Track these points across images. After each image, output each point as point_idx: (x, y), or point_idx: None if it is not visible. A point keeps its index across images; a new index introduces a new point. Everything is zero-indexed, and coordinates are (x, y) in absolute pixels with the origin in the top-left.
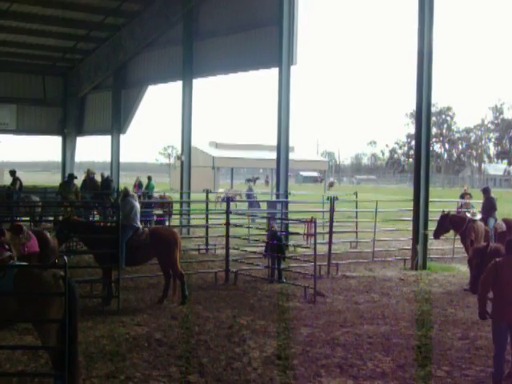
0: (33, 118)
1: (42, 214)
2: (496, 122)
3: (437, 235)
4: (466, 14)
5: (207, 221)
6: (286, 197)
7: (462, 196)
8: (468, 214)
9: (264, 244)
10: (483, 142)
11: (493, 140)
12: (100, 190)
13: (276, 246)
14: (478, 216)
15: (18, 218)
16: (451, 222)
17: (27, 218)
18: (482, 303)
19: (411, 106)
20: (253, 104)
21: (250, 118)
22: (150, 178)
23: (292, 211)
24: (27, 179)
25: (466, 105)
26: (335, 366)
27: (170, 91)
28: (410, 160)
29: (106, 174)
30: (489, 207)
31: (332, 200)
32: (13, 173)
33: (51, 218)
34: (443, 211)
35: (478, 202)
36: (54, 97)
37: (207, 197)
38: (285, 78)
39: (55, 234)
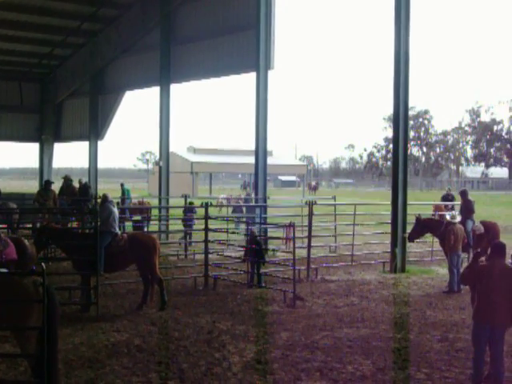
0: (9, 125)
1: (19, 220)
2: (473, 124)
3: (411, 238)
4: (442, 16)
5: (186, 226)
6: (265, 201)
7: (445, 197)
8: (447, 217)
9: (243, 249)
10: (461, 144)
11: (470, 143)
12: (78, 197)
13: (255, 250)
14: (458, 218)
15: None
16: (425, 226)
17: (4, 225)
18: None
19: (389, 109)
20: (231, 109)
21: (228, 122)
22: (122, 185)
23: (271, 216)
24: (4, 186)
25: (443, 108)
26: (315, 369)
27: (147, 97)
28: (388, 163)
29: (84, 180)
30: (466, 210)
31: (310, 204)
32: None
33: (29, 225)
34: (416, 215)
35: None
36: (30, 103)
37: (185, 202)
38: (262, 83)
39: (33, 241)
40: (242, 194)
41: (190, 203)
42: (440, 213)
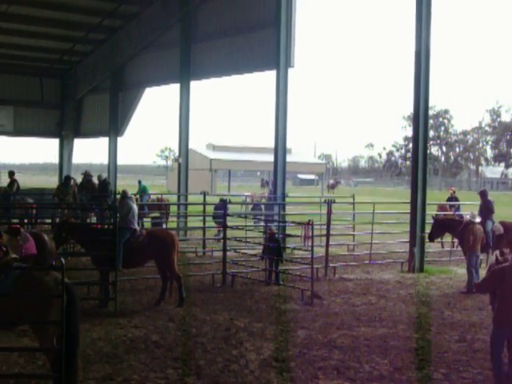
0: (30, 120)
1: (36, 215)
2: (493, 124)
3: (431, 238)
4: (463, 16)
5: (204, 223)
6: (283, 199)
7: (450, 199)
8: (467, 216)
9: (261, 246)
10: (480, 144)
11: (490, 143)
12: (97, 193)
13: (274, 248)
14: (478, 219)
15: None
16: (443, 225)
17: (24, 220)
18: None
19: (409, 108)
20: (250, 106)
21: (248, 120)
22: (139, 182)
23: (289, 213)
24: (24, 181)
25: (463, 107)
26: (332, 368)
27: (167, 93)
28: (408, 163)
29: (104, 176)
30: (486, 210)
31: (329, 203)
32: (11, 174)
33: (49, 220)
34: (433, 215)
35: (471, 203)
36: (51, 99)
37: (204, 199)
38: (282, 81)
39: (53, 236)
40: (265, 192)
41: (221, 200)
42: (446, 213)
